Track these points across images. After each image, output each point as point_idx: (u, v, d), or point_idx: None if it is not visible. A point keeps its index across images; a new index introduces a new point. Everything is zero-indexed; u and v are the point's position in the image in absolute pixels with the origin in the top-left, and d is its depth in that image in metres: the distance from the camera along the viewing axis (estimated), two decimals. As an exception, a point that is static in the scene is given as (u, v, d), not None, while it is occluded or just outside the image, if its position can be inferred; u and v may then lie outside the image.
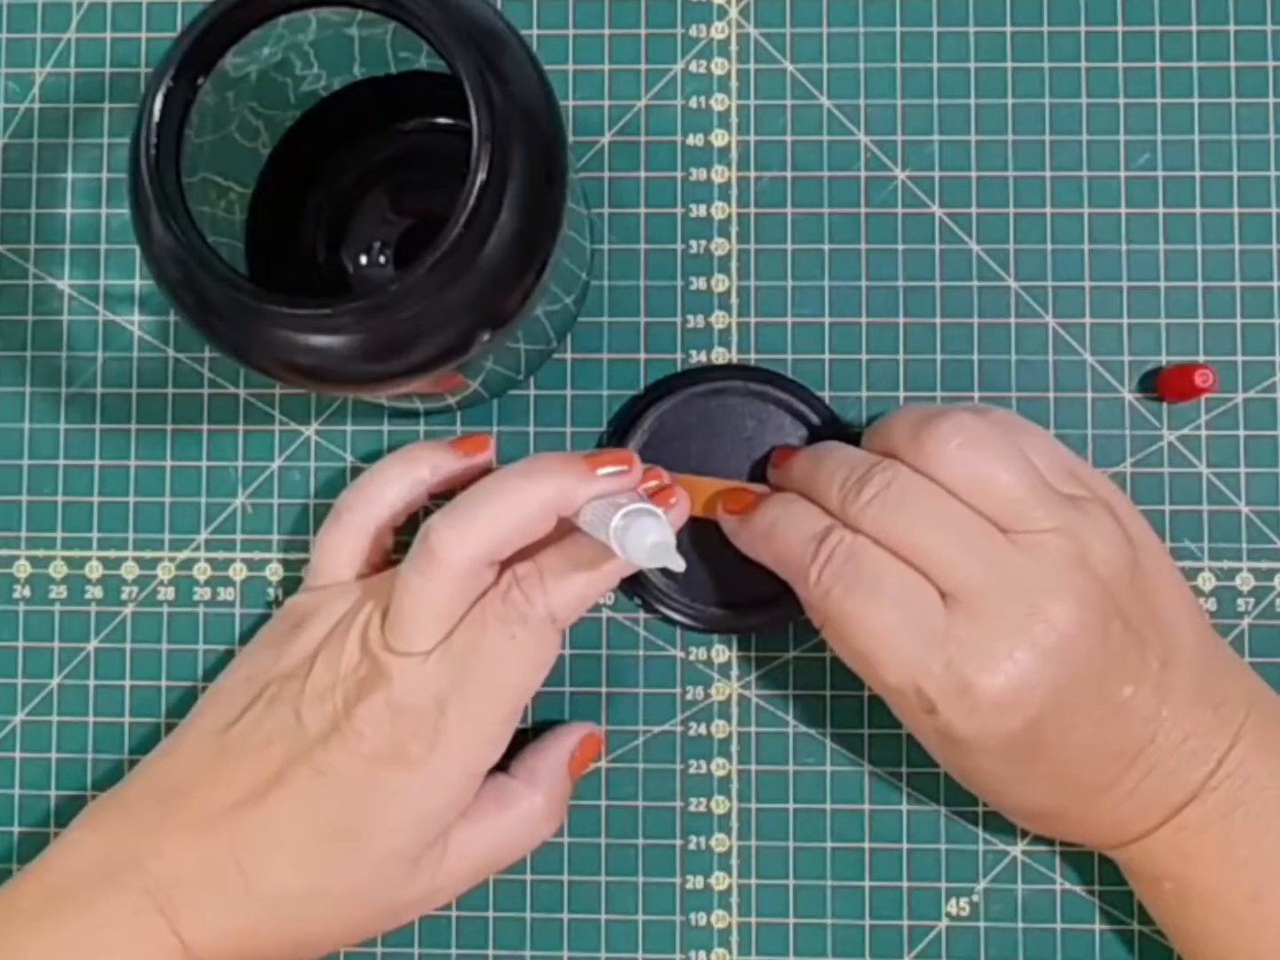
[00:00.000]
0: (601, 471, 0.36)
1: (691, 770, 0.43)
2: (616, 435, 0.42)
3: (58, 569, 0.44)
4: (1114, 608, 0.36)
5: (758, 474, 0.42)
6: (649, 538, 0.32)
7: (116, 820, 0.38)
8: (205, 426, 0.44)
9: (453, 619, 0.36)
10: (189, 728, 0.39)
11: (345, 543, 0.40)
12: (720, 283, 0.43)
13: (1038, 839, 0.42)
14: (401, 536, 0.42)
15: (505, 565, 0.36)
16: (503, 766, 0.39)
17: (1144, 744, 0.36)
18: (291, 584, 0.43)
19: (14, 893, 0.37)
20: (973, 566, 0.35)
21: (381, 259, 0.40)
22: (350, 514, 0.40)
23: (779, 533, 0.37)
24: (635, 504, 0.33)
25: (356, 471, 0.43)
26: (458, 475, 0.41)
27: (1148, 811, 0.37)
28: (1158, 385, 0.42)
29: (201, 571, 0.43)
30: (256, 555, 0.43)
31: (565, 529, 0.36)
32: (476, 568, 0.35)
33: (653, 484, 0.38)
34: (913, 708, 0.36)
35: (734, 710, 0.43)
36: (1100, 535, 0.36)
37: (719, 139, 0.43)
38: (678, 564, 0.32)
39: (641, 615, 0.43)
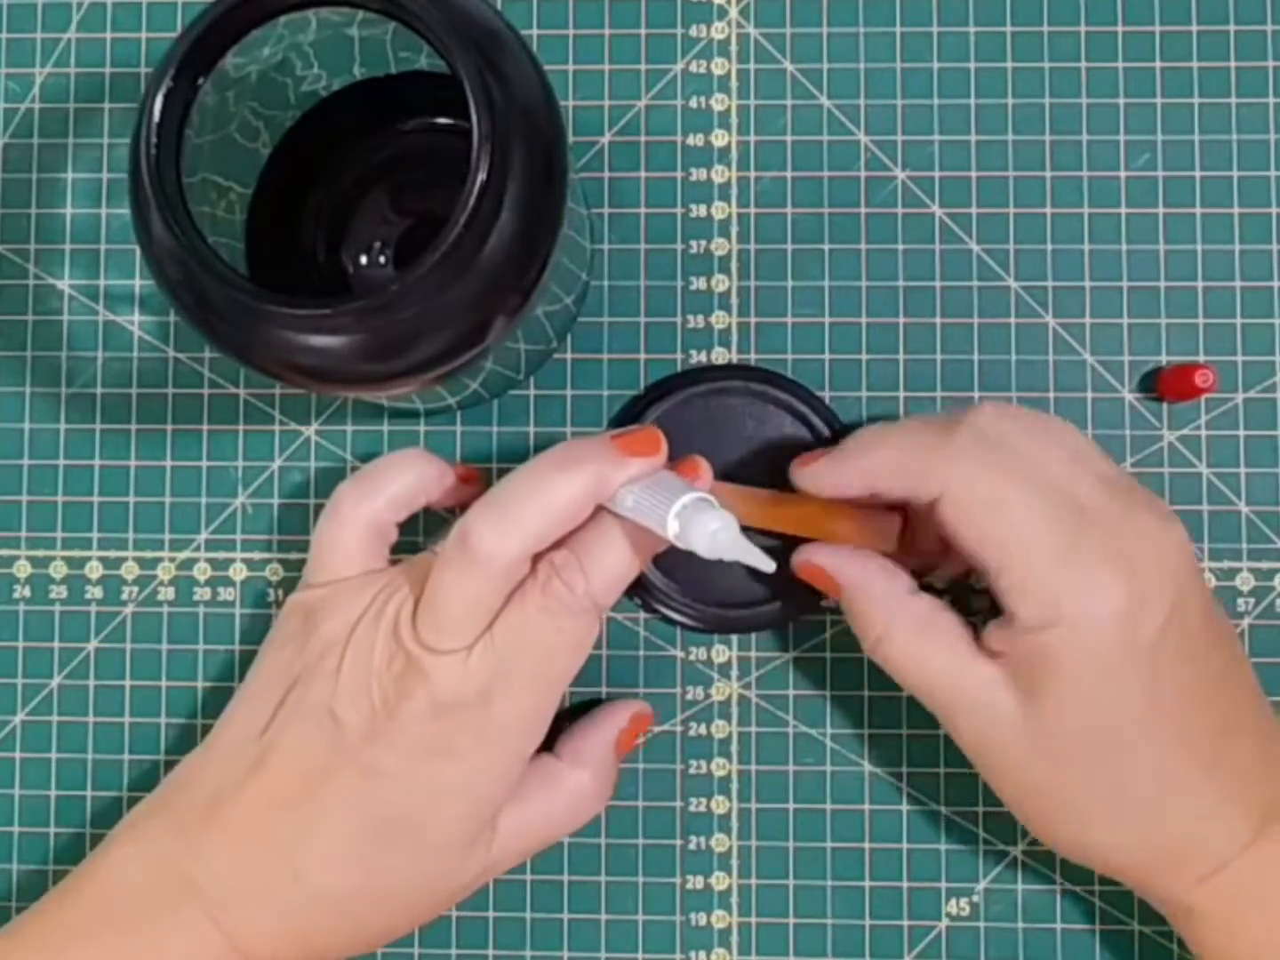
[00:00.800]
0: (634, 458, 0.36)
1: (691, 770, 0.43)
2: (616, 435, 0.42)
3: (58, 569, 0.44)
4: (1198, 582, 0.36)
5: (758, 474, 0.42)
6: (719, 534, 0.32)
7: (164, 835, 0.37)
8: (205, 426, 0.44)
9: (491, 614, 0.35)
10: (220, 735, 0.38)
11: (345, 537, 0.39)
12: (720, 283, 0.43)
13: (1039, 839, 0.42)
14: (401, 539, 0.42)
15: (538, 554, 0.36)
16: (547, 745, 0.39)
17: (1244, 722, 0.36)
18: (292, 584, 0.43)
19: (62, 908, 0.37)
20: (1092, 485, 0.35)
21: (381, 259, 0.40)
22: (353, 506, 0.39)
23: (893, 435, 0.37)
24: (690, 494, 0.33)
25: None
26: (452, 493, 0.41)
27: (1245, 813, 0.36)
28: (1158, 385, 0.42)
29: (201, 571, 0.43)
30: (256, 555, 0.43)
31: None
32: (518, 563, 0.35)
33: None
34: (978, 683, 0.36)
35: (734, 710, 0.43)
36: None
37: (719, 139, 0.43)
38: (767, 564, 0.33)
39: (641, 615, 0.43)
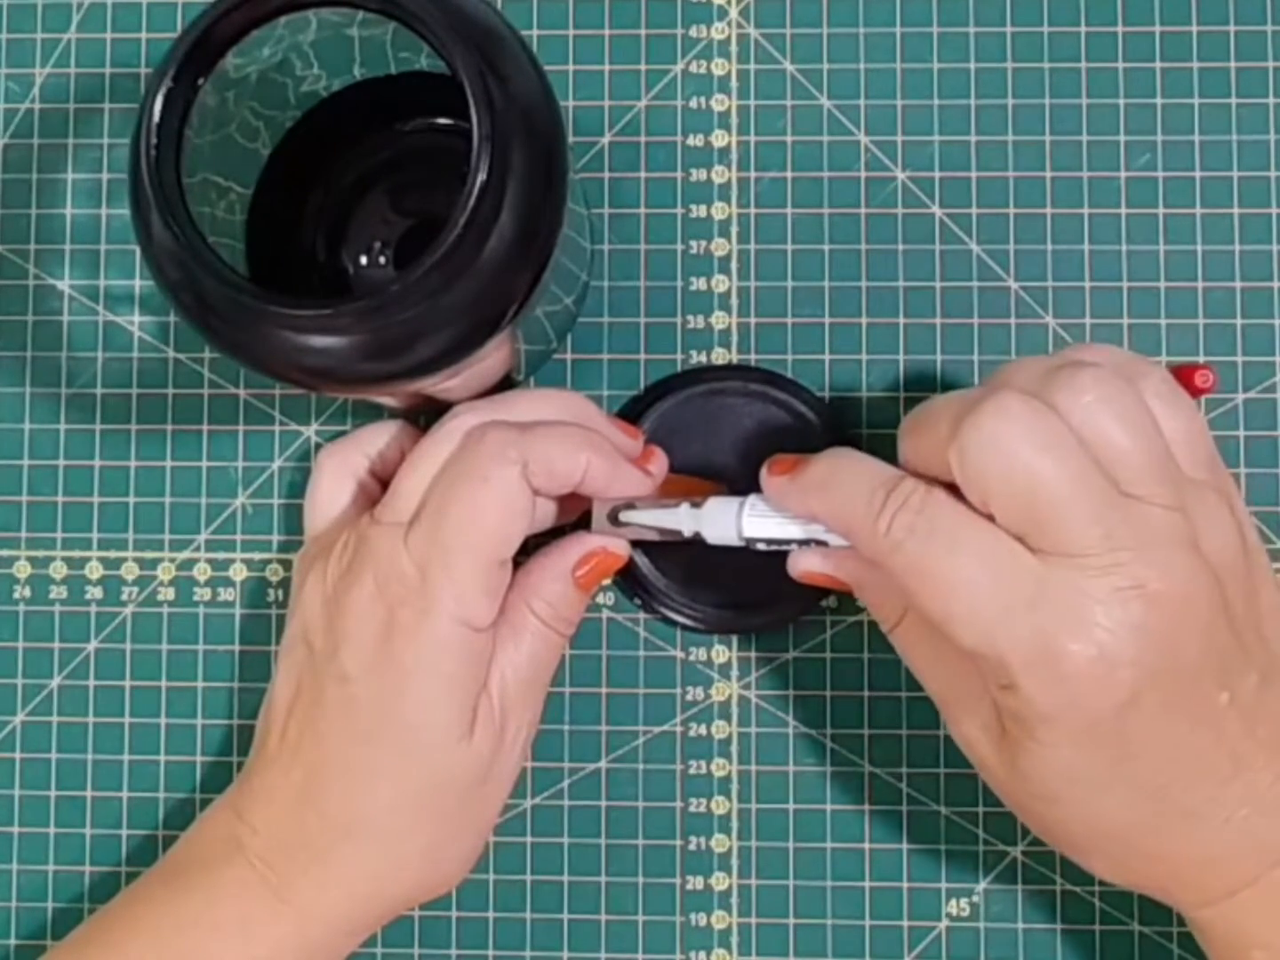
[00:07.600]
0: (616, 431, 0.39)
1: (691, 770, 0.43)
2: (616, 435, 0.42)
3: (58, 569, 0.44)
4: (1221, 601, 0.32)
5: (757, 474, 0.42)
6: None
7: (218, 809, 0.38)
8: (205, 426, 0.44)
9: None
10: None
11: (326, 492, 0.39)
12: (720, 283, 0.43)
13: (1039, 839, 0.42)
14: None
15: None
16: None
17: (1238, 767, 0.33)
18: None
19: (141, 884, 0.39)
20: (1083, 521, 0.31)
21: (381, 259, 0.40)
22: (331, 462, 0.40)
23: (840, 480, 0.35)
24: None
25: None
26: None
27: (1243, 856, 0.34)
28: (1158, 385, 0.42)
29: (202, 572, 0.43)
30: (256, 555, 0.43)
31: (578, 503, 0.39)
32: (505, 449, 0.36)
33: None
34: (975, 697, 0.34)
35: (734, 710, 0.43)
36: (1214, 524, 0.33)
37: (719, 139, 0.43)
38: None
39: (641, 615, 0.43)
